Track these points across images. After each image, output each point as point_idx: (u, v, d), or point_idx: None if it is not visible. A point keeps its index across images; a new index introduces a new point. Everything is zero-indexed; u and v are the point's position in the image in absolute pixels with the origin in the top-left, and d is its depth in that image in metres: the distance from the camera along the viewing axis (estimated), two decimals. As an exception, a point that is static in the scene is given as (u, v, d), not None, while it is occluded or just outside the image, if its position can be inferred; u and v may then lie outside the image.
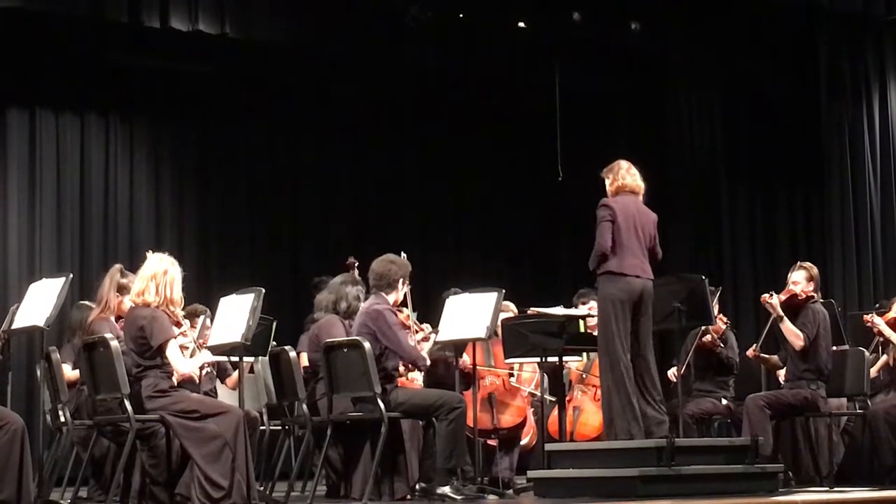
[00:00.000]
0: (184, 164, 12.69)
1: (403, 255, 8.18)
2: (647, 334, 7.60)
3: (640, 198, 7.75)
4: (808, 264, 8.72)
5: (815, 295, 8.59)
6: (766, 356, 8.89)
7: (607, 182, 7.77)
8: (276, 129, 13.05)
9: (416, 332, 8.17)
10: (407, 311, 8.14)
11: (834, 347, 8.88)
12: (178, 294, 7.05)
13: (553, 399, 8.84)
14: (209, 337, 7.57)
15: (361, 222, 13.37)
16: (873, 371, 9.08)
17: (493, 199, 14.04)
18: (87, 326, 7.55)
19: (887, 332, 8.90)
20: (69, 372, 7.89)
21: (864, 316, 9.18)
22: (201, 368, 7.81)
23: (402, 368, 8.00)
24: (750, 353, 8.92)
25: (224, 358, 7.33)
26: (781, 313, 8.45)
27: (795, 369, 8.51)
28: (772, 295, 8.50)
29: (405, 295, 8.01)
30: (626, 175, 7.73)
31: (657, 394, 7.53)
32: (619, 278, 7.49)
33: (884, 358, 9.11)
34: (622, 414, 7.38)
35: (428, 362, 7.94)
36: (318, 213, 13.25)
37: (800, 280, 8.60)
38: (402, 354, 7.66)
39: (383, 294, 7.78)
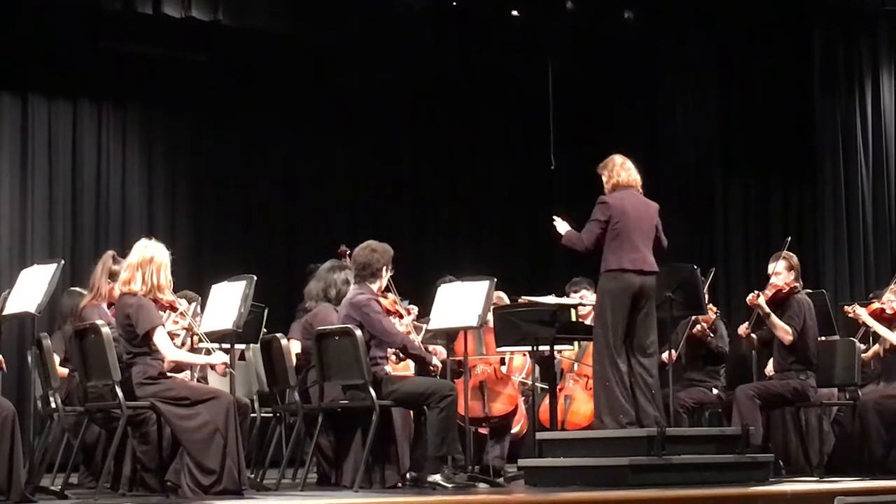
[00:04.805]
0: (176, 150, 12.66)
1: None
2: (648, 328, 7.59)
3: (639, 190, 7.73)
4: (787, 253, 8.69)
5: (797, 285, 8.59)
6: (757, 335, 8.88)
7: (604, 179, 7.76)
8: (270, 117, 13.00)
9: (406, 314, 8.10)
10: (392, 296, 8.02)
11: (824, 338, 8.89)
12: (165, 280, 7.02)
13: (545, 387, 8.85)
14: (200, 324, 7.56)
15: (356, 210, 13.36)
16: (865, 357, 9.06)
17: (487, 188, 14.03)
18: (79, 313, 7.53)
19: (870, 321, 8.90)
20: (60, 367, 7.81)
21: (846, 307, 9.18)
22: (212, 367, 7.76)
23: (392, 357, 7.98)
24: (741, 330, 8.89)
25: (215, 345, 7.31)
26: (768, 311, 8.46)
27: (784, 361, 8.52)
28: (758, 295, 8.49)
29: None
30: (620, 171, 7.72)
31: (653, 388, 7.54)
32: (619, 275, 7.53)
33: (876, 347, 9.09)
34: (613, 404, 7.39)
35: (435, 360, 7.84)
36: (311, 200, 13.22)
37: (781, 270, 8.59)
38: (389, 340, 7.58)
39: (367, 283, 7.68)
